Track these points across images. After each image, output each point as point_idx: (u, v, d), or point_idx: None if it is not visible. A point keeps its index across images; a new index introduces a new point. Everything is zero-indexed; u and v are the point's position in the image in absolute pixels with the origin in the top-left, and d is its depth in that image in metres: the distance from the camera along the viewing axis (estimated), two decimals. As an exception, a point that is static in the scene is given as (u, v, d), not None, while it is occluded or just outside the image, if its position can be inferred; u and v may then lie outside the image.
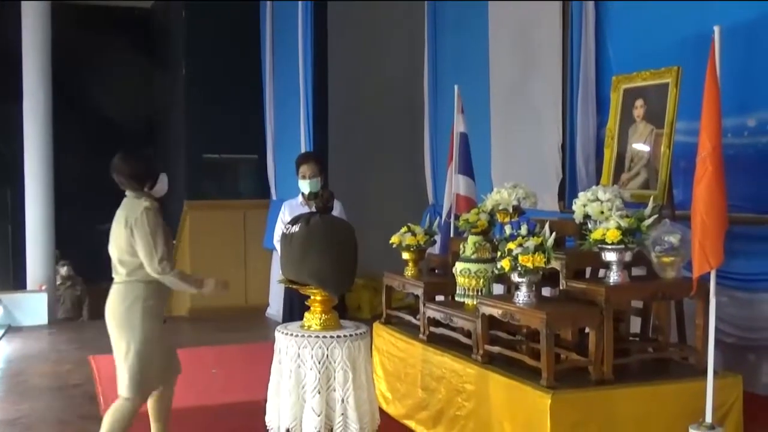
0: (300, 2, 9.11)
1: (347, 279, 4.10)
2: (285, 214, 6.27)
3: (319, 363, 3.92)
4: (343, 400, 3.92)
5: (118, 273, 4.47)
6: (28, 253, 10.34)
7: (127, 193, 4.53)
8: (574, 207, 4.53)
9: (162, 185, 4.61)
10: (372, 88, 10.95)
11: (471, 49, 7.79)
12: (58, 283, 11.14)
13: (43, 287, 10.23)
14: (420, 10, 8.79)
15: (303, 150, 8.88)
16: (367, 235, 8.87)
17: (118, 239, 4.43)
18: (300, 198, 6.26)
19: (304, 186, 6.17)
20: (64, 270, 11.28)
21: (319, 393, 3.89)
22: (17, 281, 11.41)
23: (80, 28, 11.74)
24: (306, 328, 4.07)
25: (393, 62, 10.72)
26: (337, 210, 6.21)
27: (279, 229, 6.30)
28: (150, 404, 4.66)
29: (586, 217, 4.42)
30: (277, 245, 6.28)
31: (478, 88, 7.42)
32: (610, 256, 4.16)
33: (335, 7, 10.37)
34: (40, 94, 10.17)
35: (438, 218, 6.16)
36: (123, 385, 4.47)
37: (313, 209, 6.10)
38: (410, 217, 6.38)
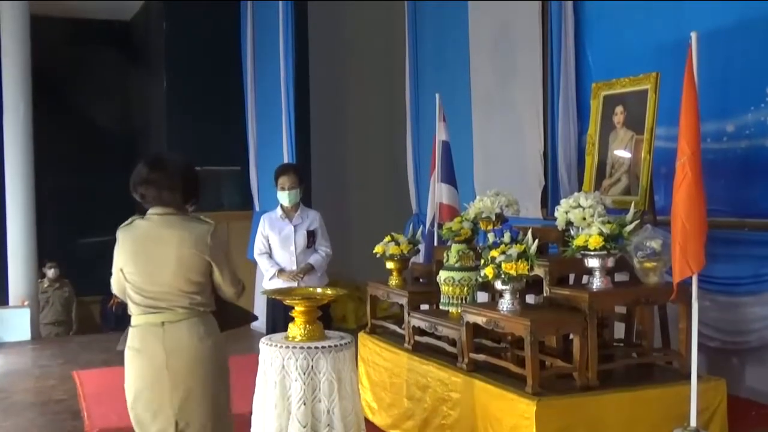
0: (280, 2, 9.09)
1: None
2: (265, 228, 6.27)
3: (304, 374, 3.91)
4: (328, 411, 3.92)
5: (177, 309, 3.62)
6: (9, 267, 10.25)
7: (160, 210, 3.67)
8: (556, 214, 4.55)
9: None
10: (354, 96, 10.97)
11: (452, 55, 7.81)
12: (45, 285, 11.06)
13: (26, 302, 10.14)
14: (400, 12, 8.79)
15: (285, 160, 8.87)
16: (350, 245, 8.95)
17: (180, 265, 3.60)
18: (279, 210, 6.24)
19: (283, 198, 6.16)
20: (51, 272, 11.20)
21: (305, 404, 3.88)
22: (-2, 295, 11.31)
23: (60, 41, 11.69)
24: (290, 339, 4.06)
25: (375, 67, 10.73)
26: (316, 222, 6.23)
27: (259, 242, 6.29)
28: None
29: (569, 223, 4.44)
30: (259, 259, 6.28)
31: (459, 95, 7.44)
32: (592, 263, 4.18)
33: (315, 12, 10.37)
34: (21, 108, 10.10)
35: (421, 227, 6.16)
36: None
37: (293, 222, 6.15)
38: (393, 226, 6.38)
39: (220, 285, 3.73)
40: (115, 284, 3.79)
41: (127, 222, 3.75)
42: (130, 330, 3.70)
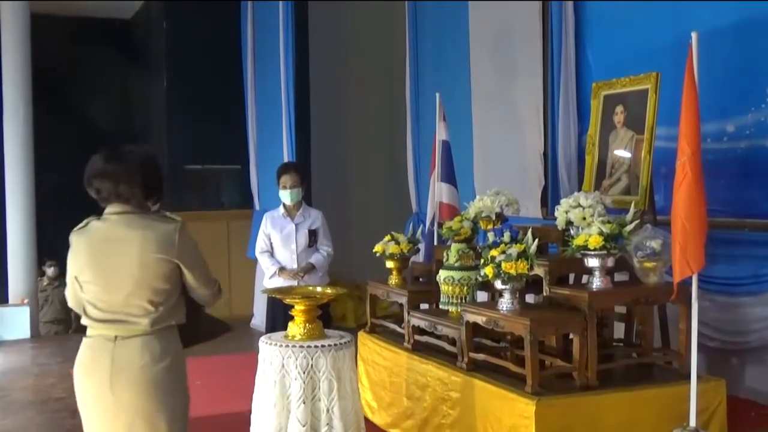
0: (281, 2, 9.10)
1: None
2: (267, 226, 6.27)
3: (304, 373, 3.91)
4: (328, 410, 3.92)
5: (134, 321, 3.20)
6: (9, 266, 10.25)
7: (118, 208, 3.27)
8: (556, 213, 4.55)
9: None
10: (354, 96, 10.97)
11: (452, 55, 7.81)
12: (45, 284, 11.06)
13: (25, 300, 10.14)
14: (401, 12, 8.79)
15: (286, 159, 8.87)
16: (350, 244, 8.94)
17: (143, 271, 3.19)
18: (281, 209, 6.26)
19: (285, 196, 6.17)
20: (50, 271, 11.20)
21: (304, 403, 3.88)
22: (-2, 294, 11.31)
23: (60, 40, 11.69)
24: (290, 338, 4.06)
25: (375, 67, 10.73)
26: (318, 221, 6.24)
27: (261, 240, 6.30)
28: None
29: (569, 223, 4.44)
30: (261, 257, 6.29)
31: (459, 95, 7.44)
32: (592, 262, 4.18)
33: (316, 12, 10.38)
34: (20, 106, 10.10)
35: (421, 226, 6.16)
36: None
37: (294, 220, 6.16)
38: (393, 225, 6.38)
39: (193, 288, 3.33)
40: (70, 296, 3.37)
41: (81, 224, 3.32)
42: (83, 341, 3.31)
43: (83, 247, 3.27)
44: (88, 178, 3.26)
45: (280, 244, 6.18)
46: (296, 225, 6.17)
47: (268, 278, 6.21)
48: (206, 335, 3.63)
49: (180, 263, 3.27)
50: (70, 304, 3.41)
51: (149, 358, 3.20)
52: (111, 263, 3.21)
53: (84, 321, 3.31)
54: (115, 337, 3.20)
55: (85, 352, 3.28)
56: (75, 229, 3.32)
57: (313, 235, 6.17)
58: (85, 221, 3.31)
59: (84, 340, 3.30)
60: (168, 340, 3.27)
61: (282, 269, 6.13)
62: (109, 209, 3.28)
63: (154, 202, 3.42)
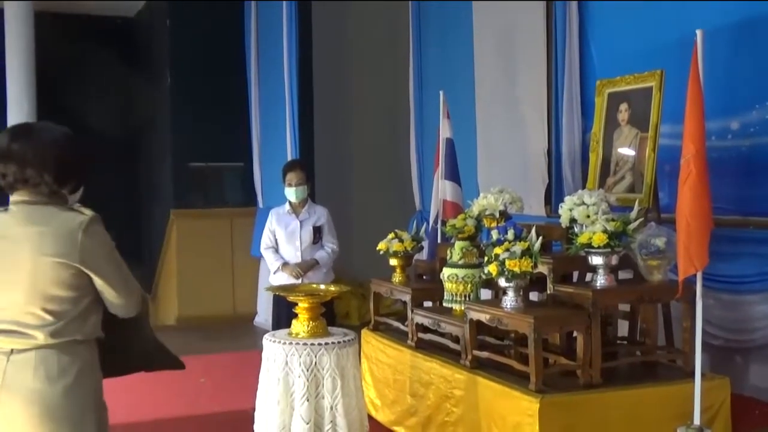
0: (285, 2, 9.10)
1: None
2: (272, 222, 6.30)
3: (308, 370, 3.92)
4: (331, 408, 3.92)
5: (29, 333, 2.65)
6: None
7: (25, 196, 2.71)
8: (560, 211, 4.54)
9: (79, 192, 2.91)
10: (357, 94, 10.96)
11: (456, 53, 7.80)
12: None
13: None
14: (405, 11, 8.79)
15: (289, 157, 8.88)
16: (353, 242, 8.94)
17: (35, 277, 2.64)
18: (287, 206, 6.28)
19: (290, 194, 6.19)
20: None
21: (308, 400, 3.88)
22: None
23: (63, 38, 11.69)
24: (294, 335, 4.06)
25: (379, 65, 10.73)
26: (323, 218, 6.25)
27: (266, 237, 6.32)
28: None
29: (573, 221, 4.43)
30: (265, 253, 6.31)
31: (463, 93, 7.43)
32: (596, 260, 4.17)
33: (319, 9, 10.38)
34: (25, 104, 10.11)
35: (425, 224, 6.17)
36: None
37: (299, 217, 6.18)
38: (397, 223, 6.38)
39: (107, 298, 2.76)
40: None
41: None
42: None
43: None
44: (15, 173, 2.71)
45: (284, 241, 6.20)
46: (301, 222, 6.19)
47: (273, 273, 6.26)
48: (146, 364, 3.10)
49: (84, 268, 2.67)
50: None
51: (43, 378, 2.65)
52: (3, 264, 2.68)
53: None
54: (11, 350, 2.67)
55: None
56: None
57: (317, 232, 6.18)
58: None
59: None
60: (71, 357, 2.69)
61: (285, 264, 6.15)
62: (13, 198, 2.74)
63: (71, 191, 2.82)
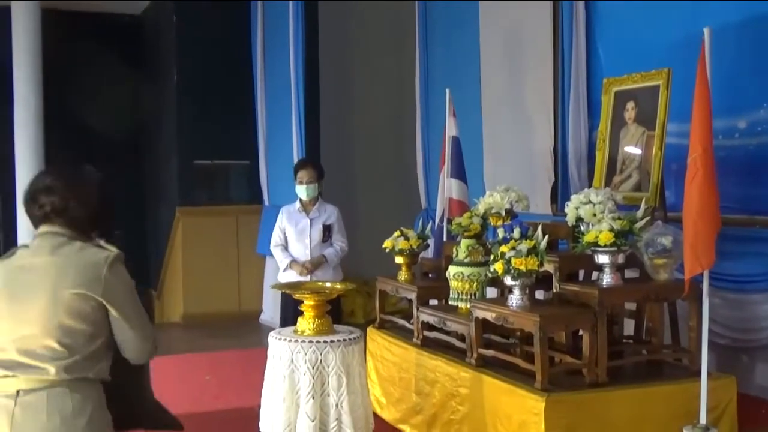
0: (291, 2, 9.11)
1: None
2: (282, 220, 6.35)
3: (313, 368, 3.92)
4: (337, 405, 3.92)
5: (40, 367, 2.58)
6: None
7: (51, 227, 2.74)
8: (566, 210, 4.53)
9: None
10: (363, 91, 10.96)
11: (462, 52, 7.80)
12: None
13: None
14: (411, 11, 8.79)
15: (295, 155, 8.90)
16: (359, 240, 8.94)
17: (55, 307, 2.60)
18: (298, 204, 6.32)
19: (301, 191, 6.23)
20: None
21: (313, 398, 3.89)
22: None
23: (70, 35, 11.71)
24: (299, 333, 4.06)
25: (384, 65, 10.73)
26: (333, 216, 6.28)
27: (276, 234, 6.36)
28: None
29: (579, 219, 4.42)
30: (274, 251, 6.35)
31: (469, 91, 7.42)
32: (602, 259, 4.17)
33: (326, 9, 10.38)
34: (31, 100, 10.14)
35: (431, 222, 6.17)
36: None
37: (309, 215, 6.21)
38: (403, 221, 6.37)
39: (122, 338, 2.70)
40: None
41: (8, 252, 2.83)
42: None
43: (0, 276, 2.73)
44: (34, 191, 2.76)
45: (294, 239, 6.24)
46: (311, 220, 6.23)
47: (282, 271, 6.30)
48: (148, 421, 2.99)
49: (106, 302, 2.64)
50: None
51: (59, 419, 2.56)
52: (19, 294, 2.64)
53: None
54: (17, 392, 2.57)
55: None
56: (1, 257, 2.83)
57: (327, 230, 6.22)
58: (13, 249, 2.82)
59: None
60: (83, 396, 2.62)
61: (294, 262, 6.18)
62: (41, 229, 2.76)
63: (99, 234, 2.83)
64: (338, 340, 3.98)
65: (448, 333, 4.91)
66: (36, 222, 2.78)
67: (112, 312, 2.66)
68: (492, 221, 5.03)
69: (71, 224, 2.72)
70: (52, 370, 2.58)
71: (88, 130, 11.69)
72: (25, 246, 2.78)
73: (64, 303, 2.60)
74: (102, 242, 2.77)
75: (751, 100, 4.95)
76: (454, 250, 5.00)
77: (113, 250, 2.71)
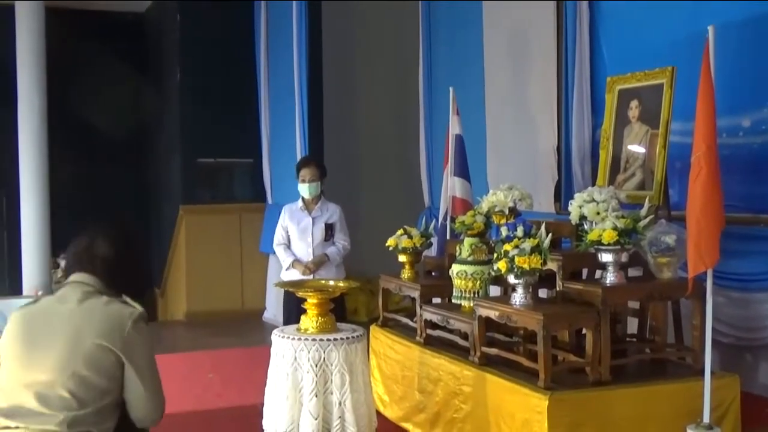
0: (294, 2, 9.12)
1: None
2: (285, 219, 6.35)
3: (316, 366, 3.92)
4: (340, 403, 3.93)
5: (46, 414, 2.55)
6: (23, 258, 10.30)
7: (85, 277, 2.79)
8: (570, 208, 4.53)
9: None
10: (367, 90, 10.96)
11: (466, 50, 7.79)
12: (59, 276, 11.09)
13: (39, 293, 10.18)
14: (414, 10, 8.79)
15: (299, 153, 8.90)
16: (362, 238, 8.94)
17: (74, 355, 2.59)
18: (300, 202, 6.32)
19: (304, 190, 6.23)
20: (64, 263, 11.23)
21: (317, 396, 3.89)
22: (13, 287, 11.36)
23: (73, 33, 11.73)
24: (303, 331, 4.07)
25: (388, 64, 10.73)
26: (336, 215, 6.28)
27: (278, 233, 6.36)
28: None
29: (582, 218, 4.42)
30: (277, 249, 6.35)
31: (473, 89, 7.42)
32: (606, 257, 4.16)
33: (329, 9, 10.39)
34: (35, 99, 10.13)
35: (434, 220, 6.17)
36: None
37: (312, 214, 6.20)
38: (406, 219, 6.37)
39: (132, 398, 2.67)
40: None
41: (31, 300, 2.89)
42: None
43: (18, 320, 2.74)
44: (97, 235, 2.85)
45: (296, 237, 6.25)
46: (313, 218, 6.23)
47: (285, 270, 6.31)
48: None
49: (124, 357, 2.63)
50: None
51: None
52: (43, 339, 2.63)
53: None
54: None
55: None
56: (23, 304, 2.84)
57: (329, 229, 6.23)
58: (37, 297, 2.86)
59: None
60: None
61: (296, 261, 6.18)
62: (73, 277, 2.81)
63: (118, 291, 2.86)
64: (341, 338, 3.98)
65: (451, 331, 4.91)
66: (72, 264, 2.82)
67: (129, 368, 2.65)
68: (495, 219, 5.03)
69: (100, 275, 2.77)
70: (57, 419, 2.54)
71: (92, 129, 11.71)
72: (51, 295, 2.82)
73: (84, 352, 2.59)
74: (128, 299, 2.78)
75: (755, 99, 4.94)
76: (457, 248, 5.00)
77: (138, 308, 2.72)
